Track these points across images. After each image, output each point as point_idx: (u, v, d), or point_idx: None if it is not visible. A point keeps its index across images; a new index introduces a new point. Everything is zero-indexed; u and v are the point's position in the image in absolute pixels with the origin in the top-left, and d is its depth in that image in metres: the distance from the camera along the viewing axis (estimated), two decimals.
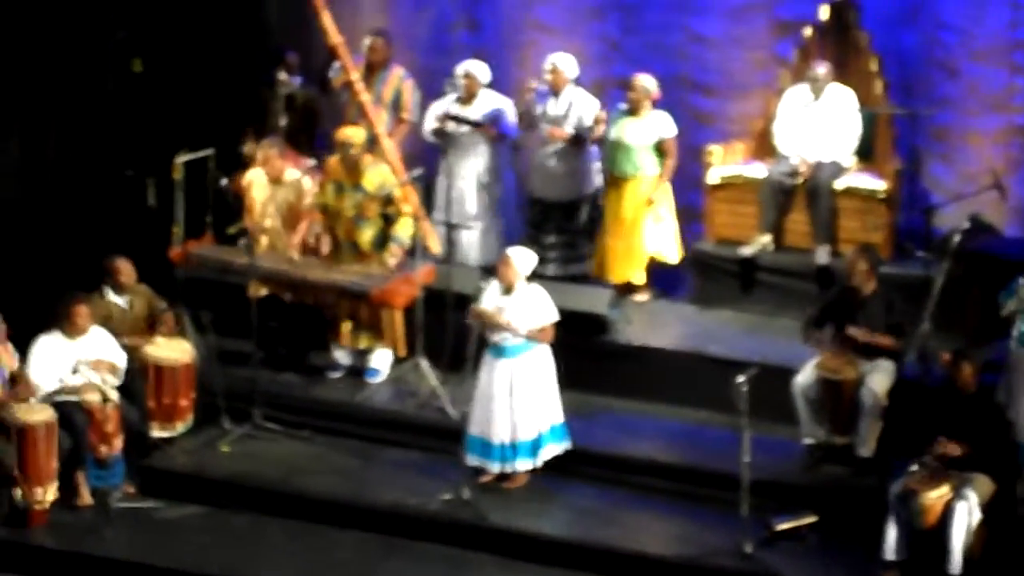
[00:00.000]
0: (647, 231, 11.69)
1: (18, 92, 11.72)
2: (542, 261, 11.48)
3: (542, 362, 10.10)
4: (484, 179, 11.98)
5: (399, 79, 11.99)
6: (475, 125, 11.80)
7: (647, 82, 11.58)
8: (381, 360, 11.37)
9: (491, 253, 11.71)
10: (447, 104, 11.93)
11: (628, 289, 11.83)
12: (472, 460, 10.15)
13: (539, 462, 10.17)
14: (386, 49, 11.96)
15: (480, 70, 11.88)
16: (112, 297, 10.83)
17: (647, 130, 11.57)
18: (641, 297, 11.90)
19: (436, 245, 11.38)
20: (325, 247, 11.08)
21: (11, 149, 11.86)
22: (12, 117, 11.79)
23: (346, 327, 11.21)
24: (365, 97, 11.63)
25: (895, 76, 11.85)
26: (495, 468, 10.14)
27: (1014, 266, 10.12)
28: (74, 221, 12.16)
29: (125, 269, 10.82)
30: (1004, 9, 11.56)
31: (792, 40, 12.06)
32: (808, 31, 11.91)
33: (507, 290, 10.06)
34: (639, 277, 11.81)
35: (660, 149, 11.62)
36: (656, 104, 11.64)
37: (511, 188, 12.20)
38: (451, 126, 11.81)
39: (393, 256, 10.96)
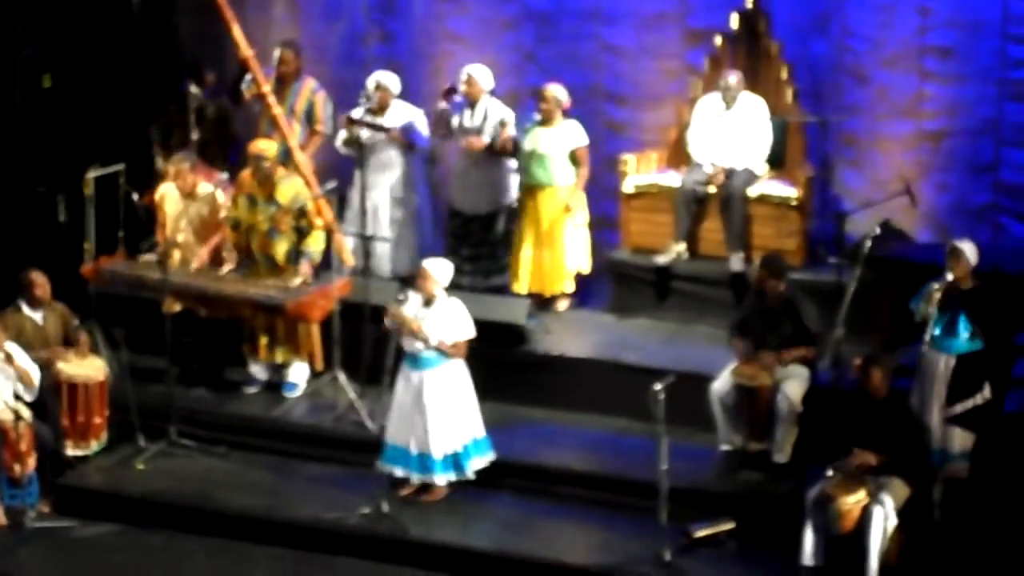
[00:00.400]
0: (568, 241, 11.72)
1: None
2: (462, 273, 11.50)
3: (457, 374, 10.09)
4: (398, 191, 11.95)
5: (311, 91, 11.96)
6: (382, 130, 11.74)
7: (558, 92, 11.61)
8: (298, 374, 11.32)
9: (405, 264, 11.71)
10: (359, 114, 11.90)
11: (546, 299, 11.85)
12: (388, 468, 10.11)
13: (469, 474, 10.15)
14: (296, 61, 11.92)
15: (391, 81, 11.86)
16: (27, 311, 10.71)
17: (560, 139, 11.60)
18: (561, 306, 11.92)
19: (350, 258, 11.34)
20: (230, 262, 11.01)
21: None
22: None
23: (262, 341, 11.15)
24: (277, 110, 11.57)
25: (805, 84, 11.95)
26: (415, 478, 10.11)
27: (925, 271, 10.22)
28: None
29: (40, 282, 10.70)
30: (912, 16, 11.69)
31: (703, 49, 12.14)
32: (719, 40, 11.99)
33: (427, 302, 10.04)
34: (564, 286, 11.82)
35: (573, 158, 11.65)
36: (568, 114, 11.67)
37: (425, 199, 12.16)
38: (364, 134, 11.74)
39: (303, 272, 10.90)
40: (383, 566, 9.78)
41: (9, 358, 10.15)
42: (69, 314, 10.89)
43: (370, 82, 11.88)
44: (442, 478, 10.12)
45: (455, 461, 10.12)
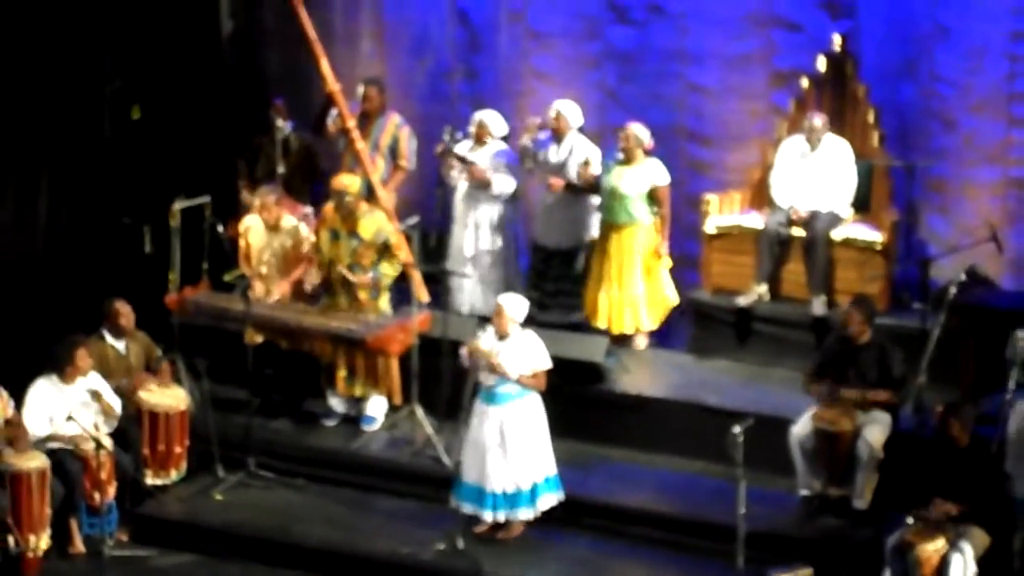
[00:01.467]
0: (661, 282, 11.68)
1: (15, 139, 11.72)
2: (544, 308, 11.49)
3: (533, 411, 10.07)
4: (487, 226, 11.97)
5: (395, 126, 12.01)
6: (465, 163, 11.79)
7: (639, 131, 11.59)
8: (376, 407, 11.34)
9: (491, 301, 11.69)
10: (461, 149, 11.95)
11: (624, 337, 11.81)
12: (465, 507, 10.11)
13: (538, 512, 10.12)
14: (381, 97, 11.97)
15: (493, 121, 11.92)
16: (110, 340, 10.82)
17: (640, 178, 11.57)
18: (638, 345, 11.88)
19: (424, 295, 11.32)
20: (309, 284, 11.05)
21: (8, 197, 11.85)
22: (9, 165, 11.79)
23: (341, 374, 11.19)
24: (360, 145, 11.64)
25: (892, 128, 11.88)
26: (488, 516, 10.10)
27: (1010, 318, 10.11)
28: (72, 268, 12.14)
29: (124, 312, 10.81)
30: (1001, 61, 11.59)
31: (789, 91, 12.10)
32: (805, 82, 11.94)
33: (501, 337, 10.04)
34: (655, 322, 11.77)
35: (653, 197, 11.62)
36: (650, 153, 11.66)
37: (512, 237, 12.17)
38: (453, 171, 11.83)
39: (362, 282, 10.90)
40: None
41: (97, 395, 10.24)
42: (152, 344, 10.99)
43: (474, 117, 11.94)
44: (512, 515, 10.08)
45: (526, 497, 10.08)
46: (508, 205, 12.01)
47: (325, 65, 11.53)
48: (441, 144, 11.86)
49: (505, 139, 12.06)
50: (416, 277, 11.21)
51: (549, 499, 10.17)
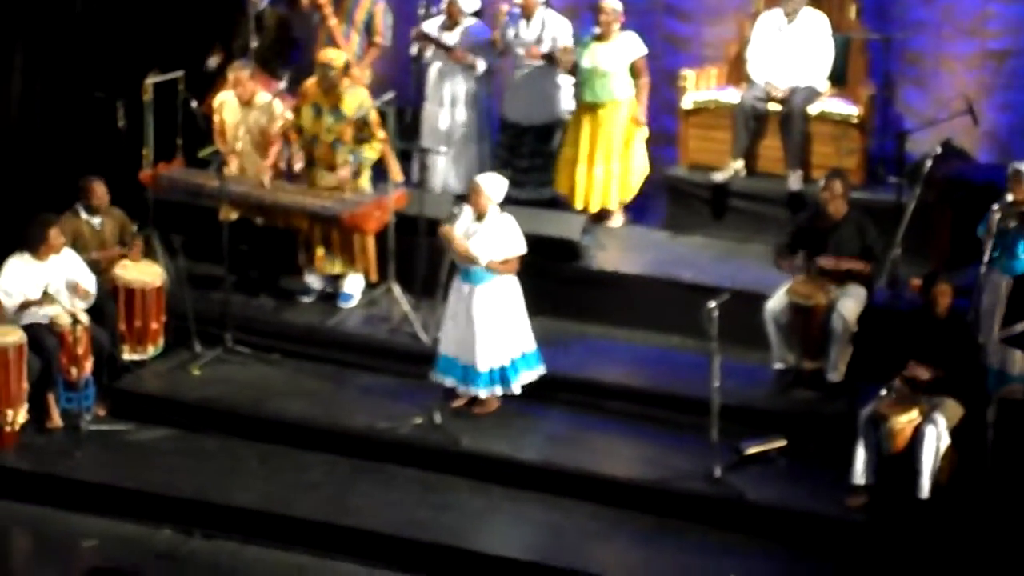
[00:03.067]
0: (636, 152, 11.65)
1: None
2: (516, 184, 11.46)
3: (509, 290, 10.07)
4: (459, 105, 11.91)
5: (371, 2, 11.90)
6: (446, 48, 11.74)
7: (614, 3, 11.49)
8: (353, 285, 11.34)
9: (464, 180, 11.65)
10: (431, 27, 11.85)
11: (601, 215, 11.81)
12: (441, 379, 10.15)
13: (516, 389, 10.16)
14: None
15: None
16: (85, 216, 10.78)
17: (619, 53, 11.50)
18: (614, 223, 11.88)
19: (399, 174, 11.27)
20: (298, 164, 11.01)
21: None
22: None
23: (319, 252, 11.17)
24: (333, 21, 11.53)
25: (869, 0, 11.79)
26: (466, 391, 10.14)
27: (985, 191, 10.13)
28: (44, 143, 12.05)
29: (99, 190, 10.76)
30: None
31: None
32: None
33: (479, 217, 10.02)
34: (628, 197, 11.75)
35: (633, 70, 11.56)
36: (626, 27, 11.56)
37: (486, 114, 12.11)
38: (427, 51, 11.77)
39: (340, 176, 10.88)
40: (434, 475, 9.84)
41: (74, 286, 10.20)
42: (127, 220, 10.95)
43: None
44: (486, 391, 10.13)
45: (502, 375, 10.12)
46: (481, 81, 11.93)
47: None
48: (416, 29, 11.75)
49: (477, 14, 11.94)
50: (390, 157, 11.16)
51: (527, 375, 10.21)
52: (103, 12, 12.48)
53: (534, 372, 10.24)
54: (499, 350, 10.07)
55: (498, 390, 10.15)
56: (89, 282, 10.39)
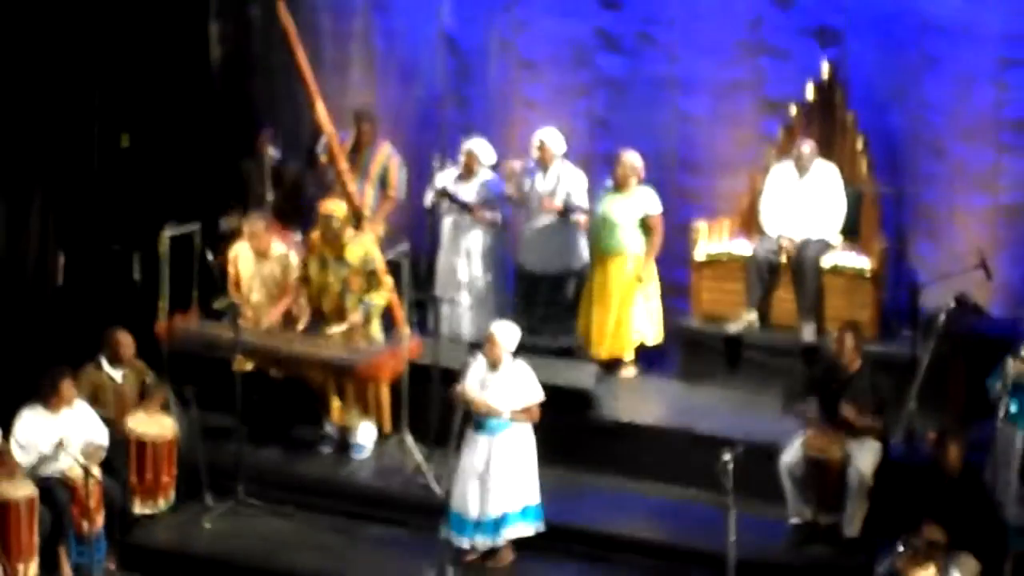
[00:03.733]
0: (636, 310, 11.69)
1: (2, 165, 11.70)
2: (532, 333, 11.49)
3: (523, 441, 10.04)
4: (478, 253, 11.98)
5: (386, 156, 12.06)
6: (467, 208, 11.86)
7: (633, 158, 11.62)
8: (366, 435, 11.32)
9: (483, 328, 11.65)
10: (447, 179, 11.97)
11: (614, 365, 11.81)
12: (455, 537, 10.07)
13: (500, 541, 10.06)
14: (372, 129, 12.07)
15: (482, 150, 11.94)
16: (107, 369, 10.79)
17: (633, 207, 11.59)
18: (627, 373, 11.88)
19: (405, 326, 11.32)
20: (304, 319, 11.04)
21: None
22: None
23: (336, 403, 11.16)
24: (352, 188, 11.65)
25: (881, 155, 11.89)
26: (476, 544, 10.05)
27: (1000, 345, 10.11)
28: (61, 296, 12.11)
29: (125, 342, 10.78)
30: (989, 89, 11.62)
31: (778, 118, 12.13)
32: (794, 110, 11.97)
33: (493, 366, 10.02)
34: (628, 354, 11.79)
35: (646, 226, 11.64)
36: (642, 181, 11.67)
37: (502, 264, 12.18)
38: (444, 205, 11.90)
39: (352, 320, 10.91)
40: None
41: (94, 452, 10.20)
42: (146, 370, 10.97)
43: (463, 147, 11.95)
44: (496, 541, 10.01)
45: (496, 524, 10.01)
46: (497, 232, 12.02)
47: (321, 108, 11.53)
48: (435, 187, 11.86)
49: (494, 168, 12.07)
50: (398, 307, 11.21)
51: (522, 528, 10.08)
52: (120, 166, 12.63)
53: (530, 527, 10.12)
54: (501, 499, 9.97)
55: (488, 540, 10.02)
56: (102, 436, 10.37)
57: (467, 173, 11.98)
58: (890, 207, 11.71)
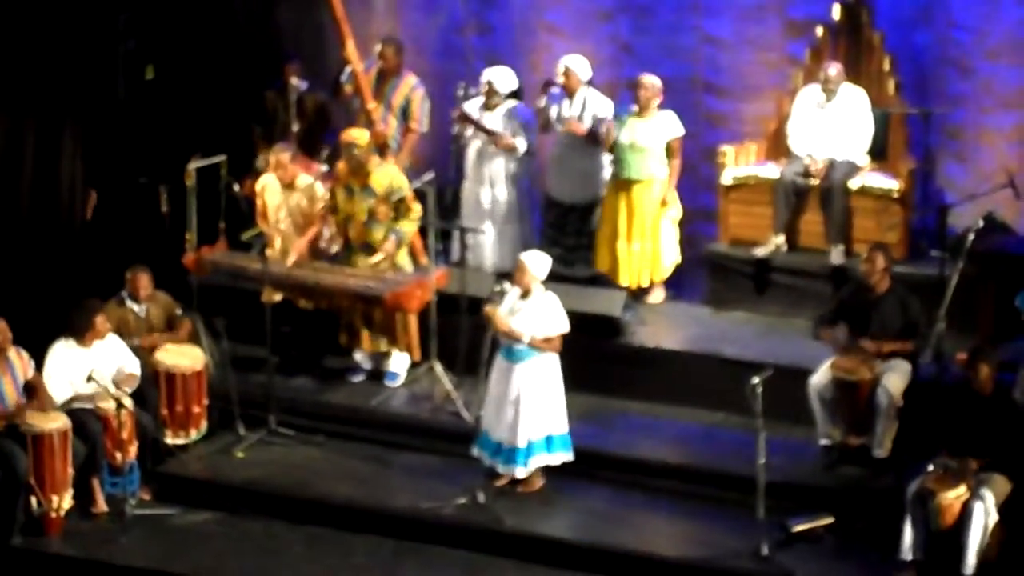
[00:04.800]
0: (664, 235, 11.67)
1: (30, 103, 11.72)
2: (563, 262, 11.49)
3: (550, 369, 10.06)
4: (500, 184, 11.96)
5: (409, 88, 12.02)
6: (487, 133, 11.82)
7: (653, 81, 11.56)
8: (399, 364, 11.37)
9: (508, 258, 11.67)
10: (472, 108, 11.92)
11: (642, 291, 11.82)
12: (486, 461, 10.13)
13: (529, 469, 10.10)
14: (397, 57, 11.99)
15: (502, 79, 11.88)
16: (130, 304, 10.85)
17: (657, 131, 11.55)
18: (655, 299, 11.88)
19: (424, 258, 11.31)
20: (334, 247, 11.06)
21: (25, 159, 11.85)
22: (25, 127, 11.79)
23: (365, 331, 11.20)
24: (372, 105, 11.63)
25: (908, 75, 11.82)
26: (507, 471, 10.12)
27: None
28: (89, 229, 12.15)
29: (143, 280, 10.85)
30: (1016, 7, 11.51)
31: (804, 40, 12.05)
32: (820, 31, 11.89)
33: (524, 295, 10.03)
34: (662, 276, 11.76)
35: (668, 149, 11.60)
36: (665, 105, 11.62)
37: (526, 193, 12.16)
38: (468, 132, 11.86)
39: (385, 250, 10.92)
40: (478, 556, 9.80)
41: (128, 379, 10.26)
42: (172, 302, 11.03)
43: (483, 77, 11.90)
44: (526, 468, 10.08)
45: (521, 454, 10.06)
46: (521, 160, 11.99)
47: (351, 46, 11.51)
48: (458, 111, 11.82)
49: (515, 94, 12.01)
50: (417, 238, 11.20)
51: (553, 457, 10.13)
52: (145, 98, 12.63)
53: (556, 457, 10.14)
54: (525, 428, 10.01)
55: (512, 469, 10.08)
56: (133, 366, 10.44)
57: (490, 103, 11.92)
58: (918, 128, 11.64)
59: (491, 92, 11.86)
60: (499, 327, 9.93)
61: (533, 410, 10.01)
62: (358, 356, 11.44)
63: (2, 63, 11.45)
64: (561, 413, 10.14)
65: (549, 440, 10.11)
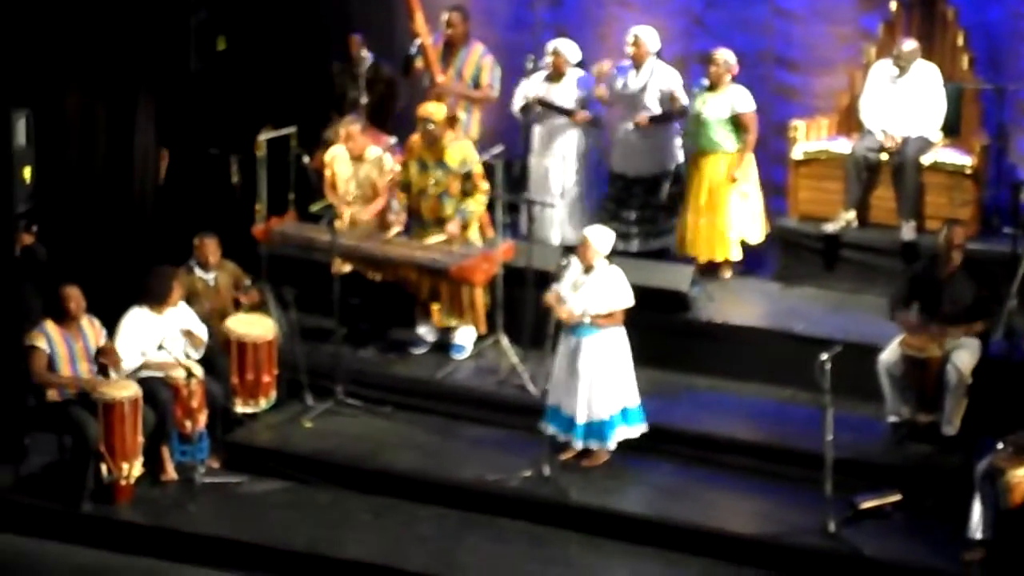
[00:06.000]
0: (732, 209, 11.62)
1: (104, 75, 11.80)
2: (625, 237, 11.49)
3: (616, 343, 10.04)
4: (570, 158, 11.95)
5: (479, 55, 12.00)
6: (565, 113, 11.81)
7: (727, 55, 11.51)
8: (465, 337, 11.38)
9: (577, 231, 11.64)
10: (536, 84, 11.89)
11: (711, 266, 11.77)
12: (551, 430, 10.13)
13: (611, 445, 10.12)
14: (464, 24, 11.97)
15: (569, 49, 11.86)
16: (198, 273, 10.93)
17: (724, 104, 11.49)
18: (725, 274, 11.83)
19: (491, 232, 11.33)
20: (401, 224, 11.08)
21: (99, 131, 11.94)
22: (98, 100, 11.87)
23: (436, 306, 11.22)
24: (442, 78, 11.67)
25: (982, 50, 11.71)
26: (574, 444, 10.12)
27: None
28: (162, 198, 12.24)
29: (211, 247, 10.91)
30: None
31: (878, 14, 11.97)
32: (894, 5, 11.81)
33: (587, 269, 10.02)
34: (729, 254, 11.73)
35: (738, 124, 11.53)
36: (736, 79, 11.56)
37: (595, 166, 12.15)
38: (537, 111, 11.85)
39: (449, 231, 10.95)
40: (543, 528, 9.82)
41: (188, 332, 10.34)
42: (240, 272, 11.09)
43: (548, 47, 11.88)
44: (596, 444, 10.08)
45: (600, 429, 10.07)
46: (588, 134, 11.96)
47: (420, 18, 11.56)
48: (530, 96, 11.79)
49: (581, 65, 11.97)
50: (486, 215, 11.21)
51: (626, 431, 10.14)
52: (217, 69, 12.68)
53: (634, 429, 10.16)
54: (599, 403, 10.03)
55: (593, 444, 10.09)
56: (202, 332, 10.52)
57: (556, 74, 11.89)
58: (991, 103, 11.54)
59: (559, 63, 11.82)
60: (559, 313, 9.92)
61: (607, 384, 10.00)
62: (422, 329, 11.46)
63: (76, 37, 11.52)
64: (632, 385, 10.12)
65: (625, 413, 10.10)
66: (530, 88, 11.89)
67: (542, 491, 9.95)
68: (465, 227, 11.07)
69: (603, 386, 10.01)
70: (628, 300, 10.02)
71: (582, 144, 11.96)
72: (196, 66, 12.49)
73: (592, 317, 9.91)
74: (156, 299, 10.33)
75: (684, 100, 11.61)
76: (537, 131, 12.03)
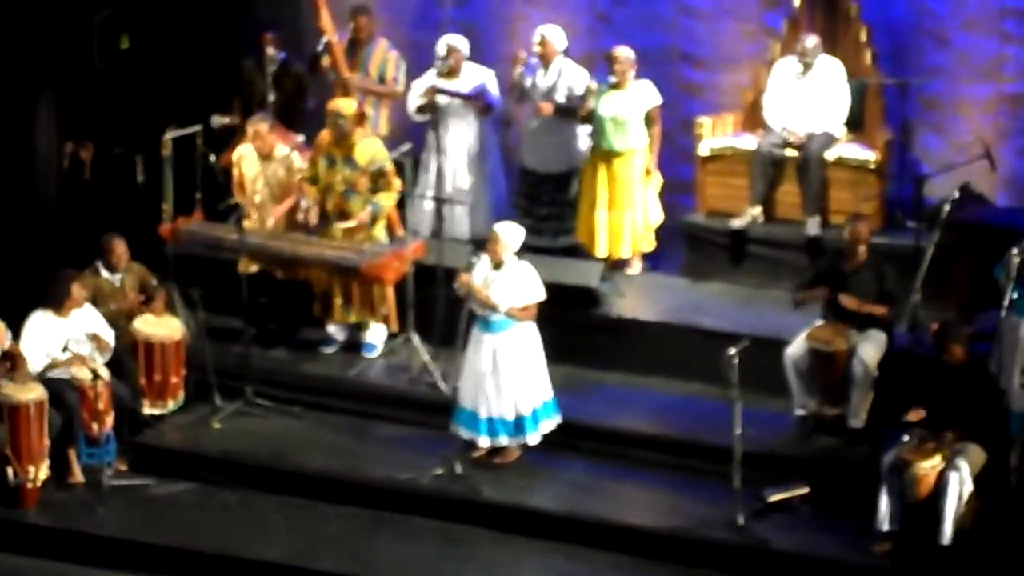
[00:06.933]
0: (650, 202, 11.67)
1: (5, 73, 11.66)
2: (535, 232, 11.49)
3: (528, 338, 10.07)
4: (473, 153, 11.96)
5: (384, 50, 12.01)
6: (463, 98, 11.80)
7: (626, 52, 11.53)
8: (376, 335, 11.35)
9: (481, 227, 11.67)
10: (430, 79, 11.90)
11: (618, 263, 11.82)
12: (463, 433, 10.14)
13: (532, 440, 10.14)
14: (370, 24, 11.99)
15: (461, 43, 11.87)
16: (105, 274, 10.82)
17: (635, 101, 11.53)
18: (633, 269, 11.89)
19: (400, 229, 11.32)
20: (313, 218, 11.04)
21: (0, 129, 11.79)
22: (4, 96, 11.73)
23: (337, 302, 11.19)
24: (348, 74, 11.60)
25: (885, 46, 11.83)
26: (485, 442, 10.13)
27: (1004, 235, 10.11)
28: (64, 199, 12.11)
29: (118, 248, 10.81)
30: None
31: (781, 11, 12.05)
32: (797, 2, 11.89)
33: (496, 265, 10.03)
34: (644, 246, 11.76)
35: (647, 119, 11.59)
36: (642, 75, 11.60)
37: (498, 161, 12.16)
38: (440, 99, 11.81)
39: (359, 218, 10.90)
40: (455, 526, 9.83)
41: (94, 336, 10.25)
42: (148, 273, 11.00)
43: (440, 45, 11.88)
44: (509, 441, 10.12)
45: (521, 425, 10.10)
46: (486, 129, 11.95)
47: (326, 16, 11.53)
48: (424, 86, 11.77)
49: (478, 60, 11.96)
50: (395, 212, 11.19)
51: (547, 424, 10.19)
52: (121, 68, 12.57)
53: (552, 421, 10.22)
54: (521, 398, 10.06)
55: (518, 440, 10.14)
56: (108, 335, 10.42)
57: (451, 71, 11.86)
58: (894, 99, 11.65)
59: (454, 56, 11.79)
60: (476, 295, 9.92)
61: (528, 378, 10.02)
62: (331, 328, 11.42)
63: None
64: (545, 380, 10.16)
65: (545, 406, 10.15)
66: (423, 83, 11.85)
67: (454, 489, 9.96)
68: (374, 221, 11.03)
69: (526, 380, 10.03)
70: (540, 294, 10.05)
71: (483, 138, 11.96)
72: (100, 64, 12.37)
73: (509, 308, 9.92)
74: (55, 302, 10.24)
75: (591, 104, 11.62)
76: (439, 128, 11.97)
